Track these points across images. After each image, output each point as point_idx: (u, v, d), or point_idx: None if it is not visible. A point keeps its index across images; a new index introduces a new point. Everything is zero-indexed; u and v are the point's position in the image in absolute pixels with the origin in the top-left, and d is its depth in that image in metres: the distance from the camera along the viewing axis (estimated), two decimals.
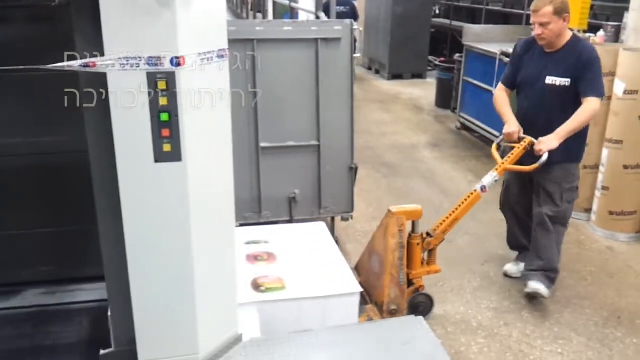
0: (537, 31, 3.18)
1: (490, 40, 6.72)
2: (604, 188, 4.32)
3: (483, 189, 3.21)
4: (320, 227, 3.30)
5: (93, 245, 2.00)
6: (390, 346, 2.29)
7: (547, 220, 3.38)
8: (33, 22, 2.49)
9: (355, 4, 10.57)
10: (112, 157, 1.70)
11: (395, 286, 3.04)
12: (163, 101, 1.64)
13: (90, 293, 2.68)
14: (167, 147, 1.67)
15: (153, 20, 1.61)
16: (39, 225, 2.67)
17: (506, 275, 3.75)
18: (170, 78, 1.63)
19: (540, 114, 3.29)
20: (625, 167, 4.19)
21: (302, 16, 7.05)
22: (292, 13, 6.41)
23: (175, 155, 1.68)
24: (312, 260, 2.94)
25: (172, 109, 1.65)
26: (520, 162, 3.28)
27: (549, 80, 3.23)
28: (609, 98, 4.22)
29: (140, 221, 1.77)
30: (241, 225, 3.62)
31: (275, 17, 8.89)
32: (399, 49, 10.20)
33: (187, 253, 1.83)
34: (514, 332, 3.19)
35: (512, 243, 3.83)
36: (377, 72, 10.94)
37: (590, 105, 3.14)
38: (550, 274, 3.45)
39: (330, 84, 3.59)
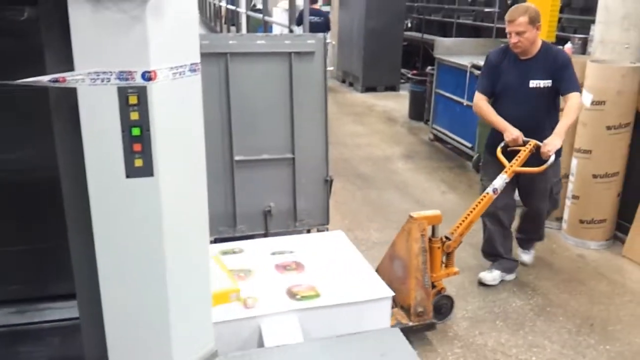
0: (513, 40, 3.42)
1: (461, 53, 6.83)
2: (574, 197, 4.40)
3: (495, 191, 3.37)
4: (340, 235, 3.46)
5: (64, 262, 1.96)
6: (367, 359, 2.29)
7: (544, 213, 3.86)
8: (0, 36, 2.45)
9: (330, 16, 10.67)
10: (83, 173, 1.68)
11: (420, 289, 3.14)
12: (134, 116, 1.62)
13: (62, 311, 2.62)
14: (138, 162, 1.65)
15: (124, 34, 1.60)
16: (7, 243, 2.61)
17: (481, 283, 3.79)
18: (141, 92, 1.62)
19: (531, 116, 3.51)
20: (595, 176, 4.28)
21: (276, 29, 7.09)
22: (265, 26, 6.44)
23: (147, 171, 1.66)
24: (339, 268, 3.08)
25: (144, 124, 1.63)
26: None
27: (533, 84, 3.48)
28: None
29: (111, 237, 1.75)
30: (215, 240, 3.60)
31: (249, 30, 8.92)
32: (372, 62, 10.30)
33: (160, 269, 1.81)
34: (489, 341, 3.21)
35: (488, 252, 3.88)
36: (351, 84, 11.02)
37: (575, 100, 3.44)
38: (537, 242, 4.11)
39: (304, 97, 3.61)
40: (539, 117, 3.52)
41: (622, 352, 3.16)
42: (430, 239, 3.21)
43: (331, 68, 11.14)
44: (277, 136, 3.64)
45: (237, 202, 3.62)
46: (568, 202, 4.47)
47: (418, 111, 8.26)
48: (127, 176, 1.67)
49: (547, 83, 3.47)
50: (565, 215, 4.52)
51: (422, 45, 11.31)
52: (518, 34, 3.39)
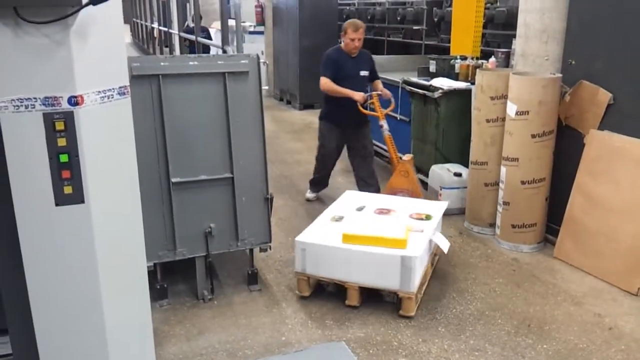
0: (357, 43, 5.01)
1: (392, 70, 7.01)
2: (505, 203, 4.57)
3: (389, 131, 5.18)
4: (362, 193, 4.86)
5: None
6: None
7: (372, 155, 5.52)
8: None
9: (260, 37, 10.70)
10: (10, 203, 1.63)
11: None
12: (62, 142, 1.59)
13: None
14: (68, 189, 1.62)
15: (48, 59, 1.57)
16: None
17: (307, 200, 5.68)
18: (68, 118, 1.59)
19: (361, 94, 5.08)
20: (523, 182, 4.46)
21: (213, 50, 7.07)
22: (197, 47, 6.42)
23: (77, 197, 1.63)
24: (405, 205, 4.34)
25: (72, 150, 1.60)
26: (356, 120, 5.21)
27: (363, 73, 5.16)
28: (503, 119, 4.51)
29: (43, 269, 1.69)
30: (155, 264, 3.53)
31: (183, 52, 8.86)
32: (309, 79, 10.38)
33: (96, 300, 1.77)
34: (432, 348, 3.28)
35: (322, 184, 5.67)
36: (289, 102, 11.08)
37: (380, 82, 5.45)
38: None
39: (241, 116, 3.61)
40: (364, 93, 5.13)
41: (559, 350, 3.29)
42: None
43: (266, 87, 11.17)
44: (215, 156, 3.62)
45: (176, 225, 3.56)
46: (500, 209, 4.64)
47: None
48: (57, 204, 1.63)
49: (367, 73, 5.17)
50: (498, 221, 4.69)
51: None
52: (359, 39, 4.98)
